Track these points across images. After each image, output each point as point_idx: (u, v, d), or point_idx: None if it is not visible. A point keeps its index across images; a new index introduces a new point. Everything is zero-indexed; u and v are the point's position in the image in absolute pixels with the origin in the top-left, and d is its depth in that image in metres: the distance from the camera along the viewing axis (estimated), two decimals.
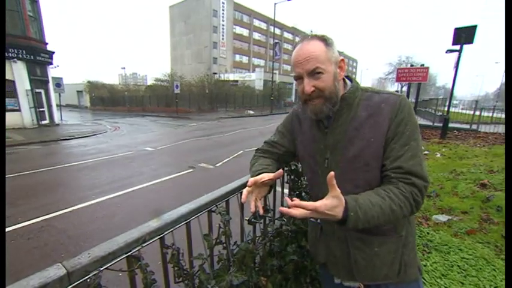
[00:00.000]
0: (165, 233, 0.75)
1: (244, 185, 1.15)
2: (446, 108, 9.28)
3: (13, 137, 10.17)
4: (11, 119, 12.74)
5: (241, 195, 1.14)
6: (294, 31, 57.50)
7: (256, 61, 52.47)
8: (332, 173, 0.66)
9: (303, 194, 1.42)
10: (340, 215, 0.67)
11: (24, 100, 13.08)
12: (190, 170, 5.79)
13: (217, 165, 6.25)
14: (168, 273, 0.79)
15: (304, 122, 0.97)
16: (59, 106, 16.19)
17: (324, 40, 0.79)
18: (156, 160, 6.84)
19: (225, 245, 0.92)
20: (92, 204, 3.98)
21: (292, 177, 1.37)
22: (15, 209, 3.79)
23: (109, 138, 10.69)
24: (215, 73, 36.34)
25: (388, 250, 0.85)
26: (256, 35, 51.74)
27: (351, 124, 0.82)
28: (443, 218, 2.92)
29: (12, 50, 12.25)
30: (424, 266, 2.12)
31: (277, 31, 51.01)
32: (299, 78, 0.81)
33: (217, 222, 0.96)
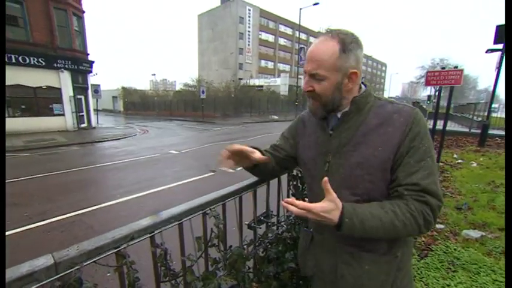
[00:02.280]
0: (155, 232, 0.78)
1: (242, 189, 1.17)
2: (486, 114, 8.45)
3: (57, 139, 11.26)
4: (56, 122, 14.23)
5: (239, 199, 1.16)
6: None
7: (281, 66, 52.56)
8: (326, 178, 0.67)
9: (306, 200, 1.39)
10: (336, 219, 0.68)
11: (68, 106, 14.49)
12: (211, 173, 5.92)
13: (238, 169, 6.31)
14: (159, 271, 0.82)
15: (309, 125, 0.97)
16: (96, 111, 17.62)
17: (343, 44, 0.73)
18: (180, 163, 7.11)
19: (218, 248, 0.93)
20: (117, 203, 4.25)
21: (295, 183, 1.36)
22: (54, 204, 4.19)
23: (138, 141, 11.37)
24: (241, 79, 37.02)
25: (380, 270, 0.80)
26: (281, 41, 51.93)
27: (359, 129, 0.79)
28: (475, 234, 2.65)
29: (61, 61, 13.68)
30: (448, 285, 1.94)
31: (303, 36, 50.68)
32: (305, 72, 0.81)
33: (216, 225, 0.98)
